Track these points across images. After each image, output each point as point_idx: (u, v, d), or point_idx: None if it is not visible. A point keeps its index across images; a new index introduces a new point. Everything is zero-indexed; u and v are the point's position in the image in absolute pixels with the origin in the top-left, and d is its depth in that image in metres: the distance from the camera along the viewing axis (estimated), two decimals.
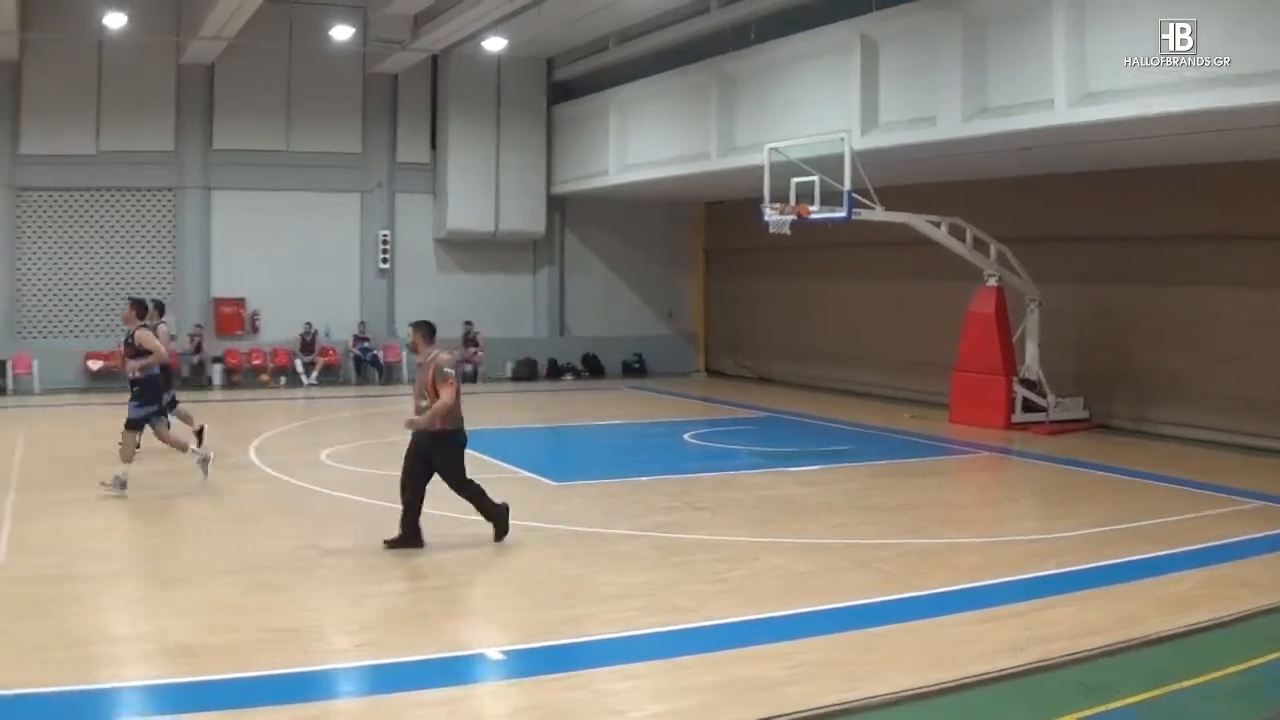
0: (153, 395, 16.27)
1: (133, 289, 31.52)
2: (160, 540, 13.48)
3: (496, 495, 13.25)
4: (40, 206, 31.47)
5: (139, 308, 16.66)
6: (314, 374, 32.58)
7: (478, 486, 13.00)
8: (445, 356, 12.91)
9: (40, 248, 31.58)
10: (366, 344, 33.14)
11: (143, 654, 9.34)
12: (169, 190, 32.49)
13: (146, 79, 31.69)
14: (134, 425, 16.01)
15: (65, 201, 31.63)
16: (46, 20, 29.72)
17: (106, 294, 31.84)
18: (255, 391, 31.30)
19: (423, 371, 12.89)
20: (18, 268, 31.37)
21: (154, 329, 19.36)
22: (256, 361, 32.75)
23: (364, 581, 11.47)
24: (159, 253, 32.60)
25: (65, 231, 31.71)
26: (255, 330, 33.12)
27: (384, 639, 9.72)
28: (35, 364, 30.63)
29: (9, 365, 30.31)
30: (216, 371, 32.18)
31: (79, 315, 31.62)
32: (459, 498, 12.95)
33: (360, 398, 30.43)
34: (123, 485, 15.69)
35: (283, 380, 32.39)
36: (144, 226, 32.43)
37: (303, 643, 9.60)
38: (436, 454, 12.77)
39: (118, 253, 32.19)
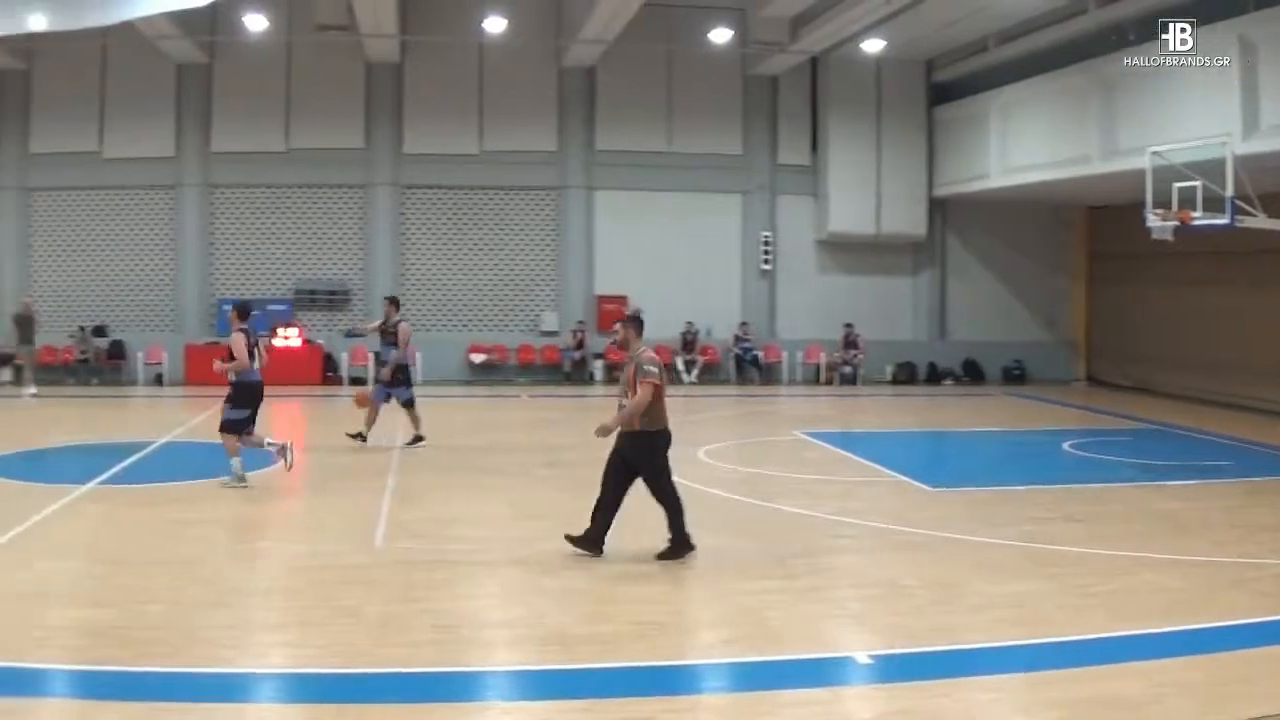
0: (245, 400, 16.55)
1: (515, 285, 33.46)
2: (536, 529, 13.80)
3: (856, 500, 13.33)
4: (423, 204, 33.43)
5: (239, 311, 16.92)
6: (694, 372, 33.28)
7: (678, 500, 12.47)
8: (649, 354, 12.56)
9: (423, 243, 33.50)
10: (747, 344, 33.61)
11: (514, 639, 9.86)
12: (553, 190, 33.84)
13: (527, 81, 33.19)
14: (227, 429, 16.48)
15: (447, 199, 33.49)
16: (426, 24, 31.56)
17: (489, 289, 33.53)
18: None
19: (627, 368, 12.58)
20: (402, 262, 33.26)
21: (395, 326, 20.32)
22: None
23: (737, 579, 11.67)
24: (542, 250, 34.00)
25: (447, 228, 33.55)
26: None
27: (753, 636, 9.89)
28: (419, 355, 32.26)
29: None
30: (598, 367, 33.24)
31: (462, 309, 33.27)
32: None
33: (740, 397, 31.00)
34: (241, 479, 16.35)
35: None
36: (527, 224, 33.91)
37: (674, 636, 9.98)
38: (633, 454, 12.43)
39: (500, 249, 33.71)
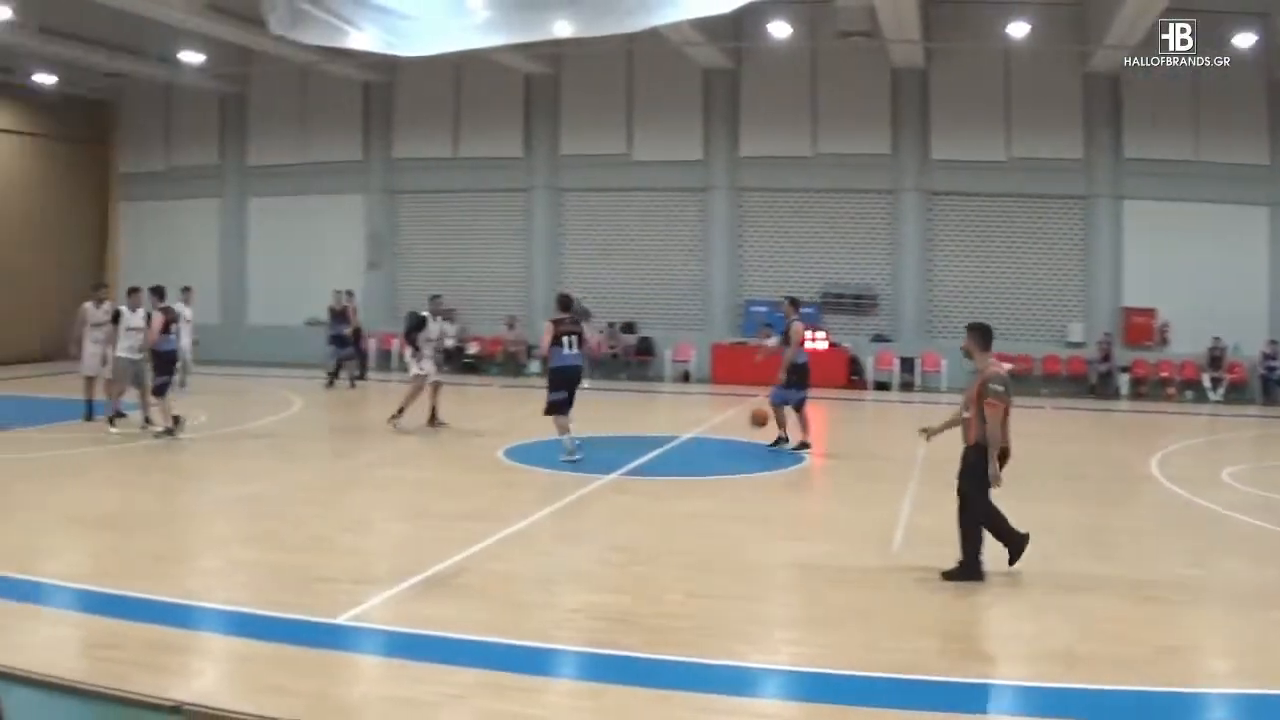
0: (557, 383, 18.37)
1: (1041, 294, 33.43)
2: (1052, 544, 13.32)
3: None
4: (950, 210, 33.95)
5: (559, 302, 19.05)
6: (1220, 390, 32.54)
7: (988, 523, 12.00)
8: (996, 371, 12.10)
9: (950, 250, 33.94)
10: (1275, 363, 32.66)
11: (1021, 654, 9.96)
12: (1079, 199, 33.57)
13: (1052, 86, 32.97)
14: (548, 410, 18.45)
15: (973, 206, 33.96)
16: (950, 29, 31.99)
17: (1015, 298, 33.61)
18: (1160, 404, 31.61)
19: (972, 382, 12.20)
20: (928, 268, 33.87)
21: (789, 329, 20.97)
22: (1164, 373, 32.99)
23: (1256, 607, 11.27)
24: (1068, 260, 33.79)
25: (974, 236, 33.84)
26: (1164, 342, 33.37)
27: (1265, 668, 9.52)
28: (944, 363, 32.80)
29: (918, 363, 32.74)
30: (1123, 381, 32.75)
31: (987, 317, 32.89)
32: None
33: (1266, 418, 29.99)
34: (570, 453, 18.15)
35: (1188, 394, 32.62)
36: (1054, 233, 33.78)
37: (1182, 662, 9.71)
38: (967, 465, 12.08)
39: (1026, 258, 33.72)
